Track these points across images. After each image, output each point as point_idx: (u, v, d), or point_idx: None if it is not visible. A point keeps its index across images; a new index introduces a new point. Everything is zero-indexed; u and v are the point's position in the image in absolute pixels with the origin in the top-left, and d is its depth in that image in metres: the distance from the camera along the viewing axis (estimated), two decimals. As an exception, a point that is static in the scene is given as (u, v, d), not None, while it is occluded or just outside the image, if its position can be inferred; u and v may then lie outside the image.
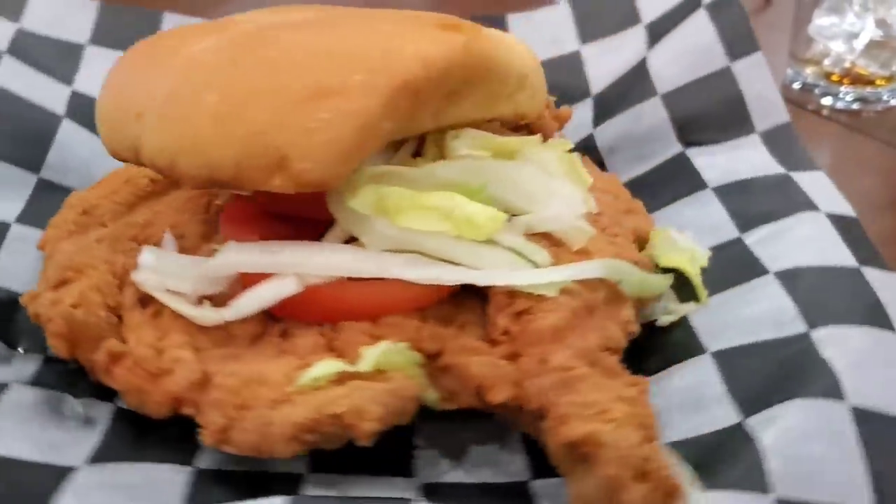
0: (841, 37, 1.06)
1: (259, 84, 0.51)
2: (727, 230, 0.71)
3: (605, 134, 0.85)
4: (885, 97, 1.07)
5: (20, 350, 0.62)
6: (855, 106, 1.06)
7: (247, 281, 0.57)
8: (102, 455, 0.54)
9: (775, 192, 0.72)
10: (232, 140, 0.50)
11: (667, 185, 0.79)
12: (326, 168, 0.51)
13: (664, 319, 0.64)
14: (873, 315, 0.58)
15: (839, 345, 0.55)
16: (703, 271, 0.67)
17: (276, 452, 0.49)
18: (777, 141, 0.78)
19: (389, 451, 0.56)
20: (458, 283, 0.55)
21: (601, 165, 0.84)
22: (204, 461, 0.54)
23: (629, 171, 0.83)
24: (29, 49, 0.85)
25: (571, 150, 0.66)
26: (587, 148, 0.85)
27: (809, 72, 1.10)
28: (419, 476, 0.55)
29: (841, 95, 1.07)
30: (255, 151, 0.50)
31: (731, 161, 0.77)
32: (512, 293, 0.56)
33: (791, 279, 0.62)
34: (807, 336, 0.57)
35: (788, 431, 0.50)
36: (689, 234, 0.71)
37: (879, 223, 0.81)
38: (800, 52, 1.10)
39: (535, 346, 0.52)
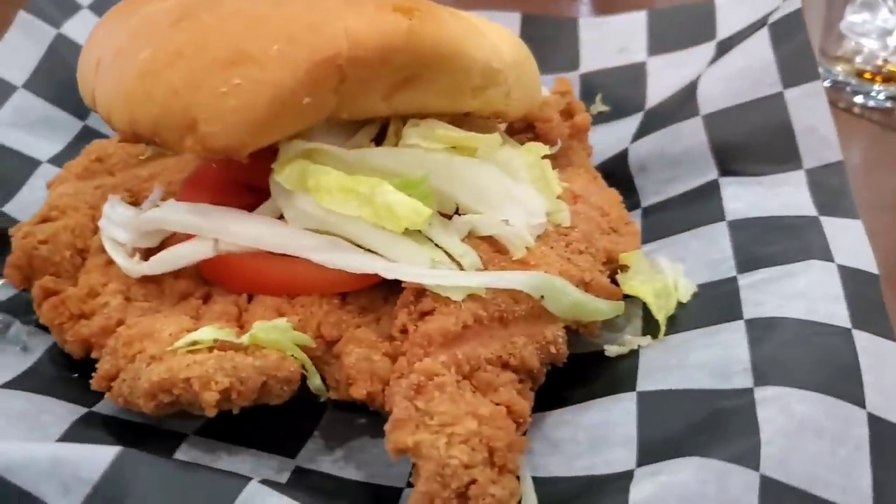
0: (874, 33, 1.00)
1: (186, 45, 0.51)
2: (725, 268, 0.64)
3: (639, 151, 0.79)
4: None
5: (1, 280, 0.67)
6: (888, 104, 1.00)
7: (178, 240, 0.58)
8: (18, 382, 0.57)
9: (792, 235, 0.64)
10: (152, 97, 0.51)
11: (688, 212, 0.72)
12: (233, 135, 0.50)
13: (611, 350, 0.58)
14: (839, 382, 0.50)
15: (781, 409, 0.49)
16: (682, 307, 0.61)
17: (141, 407, 0.49)
18: (823, 181, 0.69)
19: (285, 432, 0.55)
20: (365, 272, 0.53)
21: (629, 182, 0.78)
22: (104, 407, 0.56)
23: (657, 194, 0.76)
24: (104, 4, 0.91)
25: (546, 157, 0.62)
26: (619, 163, 0.80)
27: (840, 69, 1.04)
28: (297, 459, 0.53)
29: (873, 94, 1.01)
30: (171, 111, 0.51)
31: (761, 196, 0.69)
32: (421, 292, 0.53)
33: (762, 329, 0.55)
34: (749, 392, 0.50)
35: (667, 488, 0.44)
36: (681, 266, 0.65)
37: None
38: (830, 49, 1.05)
39: (420, 347, 0.49)
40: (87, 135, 0.82)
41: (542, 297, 0.54)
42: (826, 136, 0.70)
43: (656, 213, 0.74)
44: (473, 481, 0.42)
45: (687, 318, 0.60)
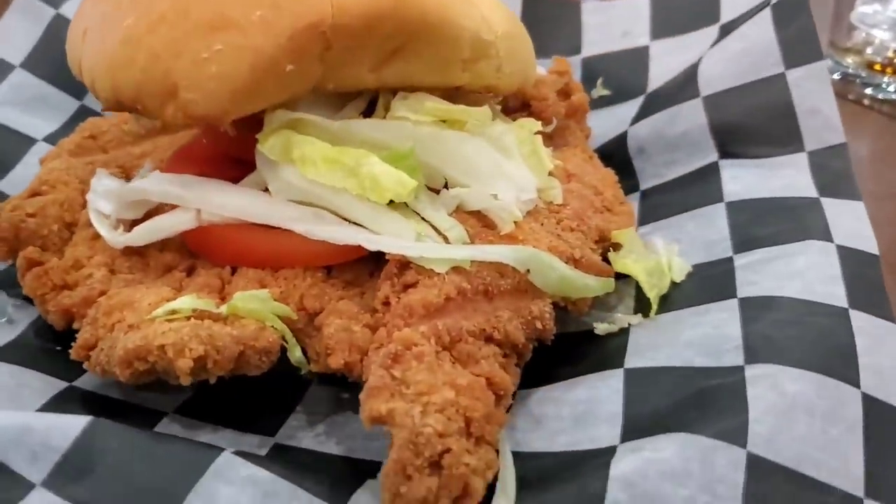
0: (885, 24, 0.98)
1: (168, 11, 0.51)
2: (721, 248, 0.62)
3: (639, 133, 0.77)
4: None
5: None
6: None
7: (162, 212, 0.57)
8: (0, 354, 0.56)
9: (792, 216, 0.62)
10: (134, 63, 0.51)
11: (686, 194, 0.70)
12: (214, 102, 0.50)
13: (601, 328, 0.57)
14: (834, 362, 0.49)
15: (771, 387, 0.47)
16: (676, 287, 0.60)
17: (118, 375, 0.49)
18: (825, 164, 0.67)
19: (268, 409, 0.55)
20: (349, 244, 0.52)
21: (628, 165, 0.77)
22: (85, 382, 0.55)
23: (656, 176, 0.75)
24: None
25: (541, 134, 0.61)
26: (618, 146, 0.78)
27: (850, 61, 1.02)
28: (277, 436, 0.53)
29: (883, 85, 0.99)
30: (152, 77, 0.50)
31: (761, 178, 0.68)
32: (404, 264, 0.52)
33: (756, 308, 0.54)
34: (740, 370, 0.49)
35: (649, 464, 0.43)
36: (676, 246, 0.63)
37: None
38: (841, 40, 1.03)
39: (401, 318, 0.48)
40: (83, 114, 0.82)
41: (528, 271, 0.52)
42: (829, 118, 0.69)
43: (654, 195, 0.73)
44: (448, 450, 0.41)
45: (680, 297, 0.59)
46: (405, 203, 0.54)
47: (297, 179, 0.54)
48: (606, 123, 0.82)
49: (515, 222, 0.56)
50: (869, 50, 1.01)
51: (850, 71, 1.02)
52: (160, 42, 0.50)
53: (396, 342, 0.46)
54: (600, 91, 0.87)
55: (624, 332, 0.57)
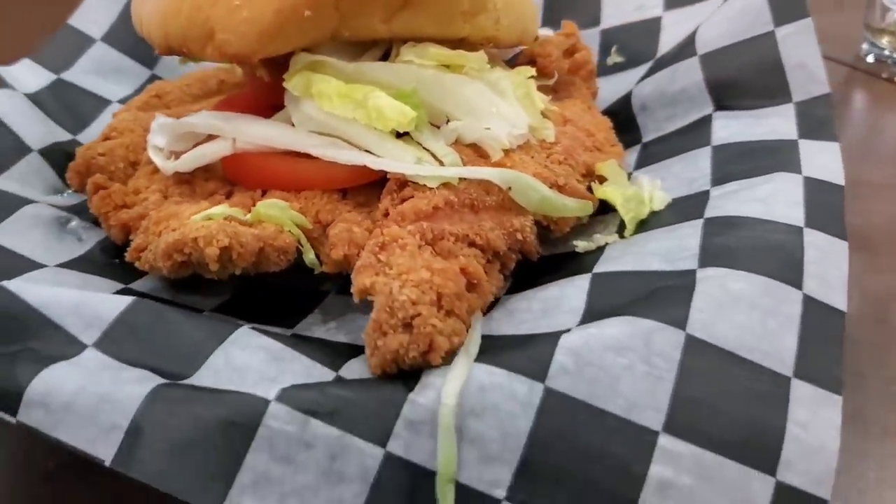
0: None
1: (209, -31, 0.61)
2: (701, 183, 0.68)
3: (642, 91, 0.84)
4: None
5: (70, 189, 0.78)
6: None
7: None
8: (71, 264, 0.67)
9: (769, 155, 0.68)
10: (181, 13, 0.61)
11: (681, 142, 0.77)
12: (244, 42, 0.59)
13: (581, 246, 0.64)
14: (781, 268, 0.54)
15: (718, 285, 0.53)
16: (655, 214, 0.67)
17: (160, 268, 0.59)
18: (809, 112, 0.73)
19: (289, 311, 0.63)
20: (356, 164, 0.61)
21: (633, 121, 0.83)
22: (139, 285, 0.65)
23: (657, 130, 0.81)
24: None
25: (532, 78, 0.69)
26: (623, 104, 0.85)
27: (886, 42, 1.06)
28: (295, 329, 0.62)
29: None
30: (195, 23, 0.61)
31: (748, 125, 0.74)
32: (403, 182, 0.61)
33: (717, 226, 0.60)
34: (692, 273, 0.55)
35: (594, 337, 0.50)
36: (658, 181, 0.70)
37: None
38: (875, 21, 1.07)
39: (394, 221, 0.57)
40: (153, 80, 0.94)
41: (510, 188, 0.60)
42: (814, 71, 0.74)
43: (653, 146, 0.80)
44: (418, 314, 0.49)
45: (657, 223, 0.65)
46: (408, 134, 0.63)
47: (316, 112, 0.63)
48: (618, 87, 0.89)
49: (506, 152, 0.64)
50: None
51: (886, 52, 1.07)
52: (201, -6, 0.60)
53: (385, 236, 0.54)
54: (615, 58, 0.94)
55: (601, 249, 0.64)
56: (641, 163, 0.77)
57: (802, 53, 0.75)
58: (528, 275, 0.63)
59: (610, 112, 0.84)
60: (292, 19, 0.60)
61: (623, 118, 0.83)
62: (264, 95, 0.69)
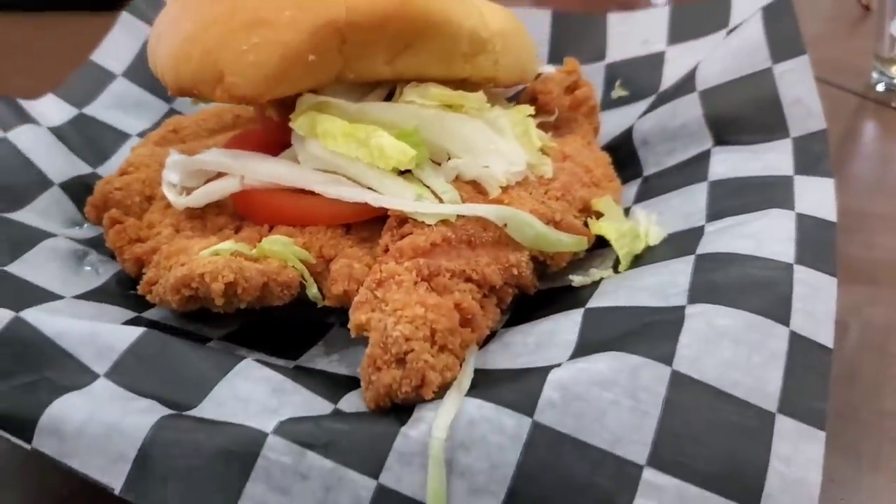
0: None
1: (219, 14, 0.64)
2: (697, 218, 0.70)
3: (643, 126, 0.86)
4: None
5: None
6: None
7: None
8: (88, 295, 0.70)
9: (764, 191, 0.70)
10: (192, 58, 0.64)
11: (679, 177, 0.79)
12: (251, 85, 0.62)
13: (577, 281, 0.66)
14: (770, 306, 0.55)
15: (705, 321, 0.54)
16: (650, 250, 0.68)
17: (169, 302, 0.61)
18: (806, 148, 0.74)
19: (294, 343, 0.66)
20: (358, 202, 0.64)
21: (634, 155, 0.85)
22: (150, 314, 0.68)
23: (658, 164, 0.83)
24: None
25: (532, 115, 0.71)
26: (625, 138, 0.87)
27: (895, 71, 1.09)
28: (298, 361, 0.64)
29: None
30: (205, 67, 0.63)
31: (745, 160, 0.75)
32: (403, 219, 0.63)
33: (708, 262, 0.61)
34: (681, 309, 0.57)
35: (582, 372, 0.51)
36: (655, 216, 0.71)
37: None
38: (884, 51, 1.10)
39: (392, 258, 0.59)
40: (170, 115, 0.97)
41: (506, 225, 0.62)
42: (811, 107, 0.76)
43: (654, 180, 0.81)
44: (411, 350, 0.51)
45: (652, 258, 0.67)
46: (410, 172, 0.65)
47: (321, 151, 0.65)
48: (622, 120, 0.91)
49: (504, 188, 0.66)
50: None
51: (895, 81, 1.10)
52: (211, 39, 0.63)
53: (382, 272, 0.56)
54: (619, 92, 0.96)
55: (596, 283, 0.65)
56: (641, 196, 0.79)
57: (800, 90, 0.77)
58: (526, 308, 0.65)
59: (613, 145, 0.86)
60: (297, 63, 0.62)
61: (625, 152, 0.85)
62: (273, 133, 0.72)
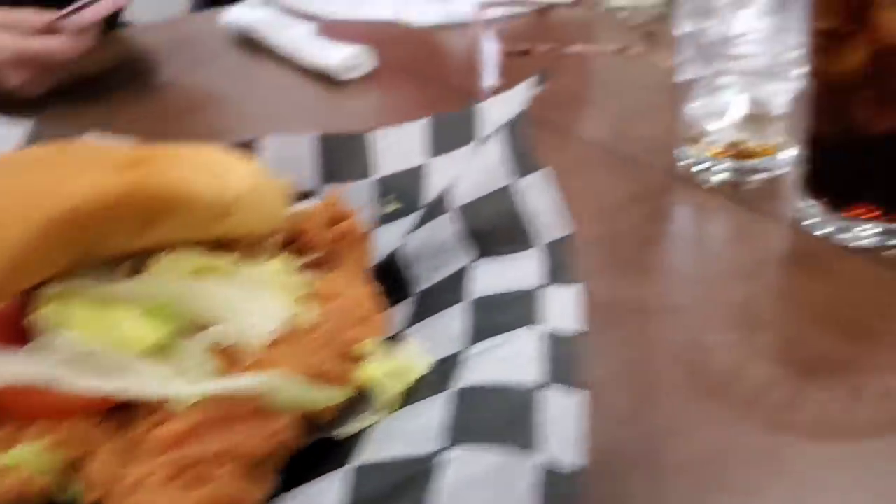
0: (714, 115, 1.16)
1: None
2: (462, 342, 0.73)
3: (410, 244, 0.89)
4: (763, 167, 1.16)
5: None
6: (735, 178, 1.16)
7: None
8: None
9: (518, 306, 0.74)
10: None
11: (446, 294, 0.82)
12: (-18, 291, 0.60)
13: (340, 433, 0.67)
14: (512, 436, 0.58)
15: (454, 469, 0.56)
16: (421, 380, 0.70)
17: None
18: (552, 255, 0.80)
19: None
20: (103, 394, 0.62)
21: (404, 275, 0.88)
22: None
23: (427, 281, 0.86)
24: None
25: (292, 262, 0.73)
26: (395, 257, 0.90)
27: (694, 150, 1.19)
28: None
29: (721, 169, 1.17)
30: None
31: (500, 274, 0.79)
32: (159, 404, 0.62)
33: (459, 396, 0.64)
34: (430, 458, 0.57)
35: None
36: (421, 345, 0.74)
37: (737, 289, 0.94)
38: (684, 131, 1.20)
39: (146, 453, 0.58)
40: None
41: (267, 393, 0.63)
42: (552, 218, 0.82)
43: (424, 299, 0.84)
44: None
45: (421, 390, 0.69)
46: (162, 350, 0.65)
47: (65, 342, 0.64)
48: (393, 237, 0.94)
49: (267, 346, 0.67)
50: (706, 138, 1.18)
51: (694, 158, 1.19)
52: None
53: (131, 475, 0.56)
54: (392, 205, 1.00)
55: (364, 430, 0.67)
56: (414, 318, 0.82)
57: (540, 202, 0.82)
58: (299, 465, 0.65)
59: (386, 264, 0.88)
60: (30, 260, 0.61)
61: (395, 271, 0.87)
62: (15, 314, 0.69)
